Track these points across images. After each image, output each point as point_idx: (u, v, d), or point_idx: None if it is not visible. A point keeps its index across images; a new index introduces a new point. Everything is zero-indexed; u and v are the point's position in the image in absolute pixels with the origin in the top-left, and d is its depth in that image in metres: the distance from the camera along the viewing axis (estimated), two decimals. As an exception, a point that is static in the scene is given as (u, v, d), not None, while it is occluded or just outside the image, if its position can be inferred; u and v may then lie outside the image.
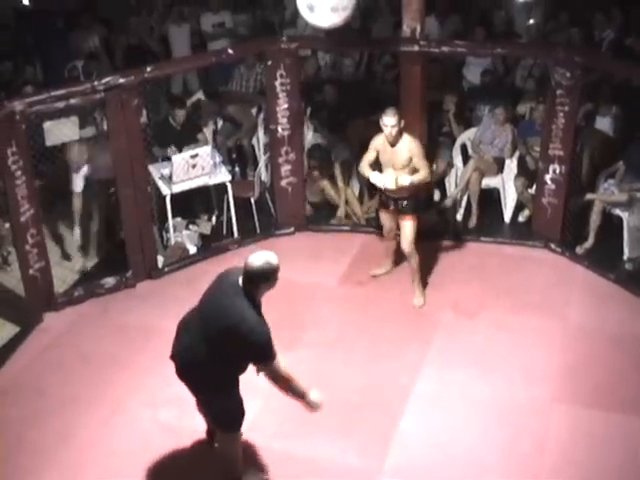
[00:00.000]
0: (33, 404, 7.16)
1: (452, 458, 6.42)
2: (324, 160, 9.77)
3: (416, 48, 8.46)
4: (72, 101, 7.90)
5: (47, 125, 8.31)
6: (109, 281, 8.63)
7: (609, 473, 6.27)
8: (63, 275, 8.72)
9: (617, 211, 8.71)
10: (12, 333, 8.06)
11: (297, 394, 5.70)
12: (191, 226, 9.44)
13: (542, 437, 6.60)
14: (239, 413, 5.83)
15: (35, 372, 7.57)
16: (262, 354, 5.48)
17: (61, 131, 8.34)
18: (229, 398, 5.75)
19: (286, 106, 8.98)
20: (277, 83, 8.86)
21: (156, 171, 9.17)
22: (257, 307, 5.56)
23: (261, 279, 5.56)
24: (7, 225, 8.53)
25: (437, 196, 9.83)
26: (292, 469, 6.40)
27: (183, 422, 6.89)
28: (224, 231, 9.55)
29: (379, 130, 7.85)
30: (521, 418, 6.79)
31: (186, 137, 9.60)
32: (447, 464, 6.37)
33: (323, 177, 9.69)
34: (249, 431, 6.69)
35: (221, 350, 5.53)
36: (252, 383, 7.16)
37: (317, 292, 8.52)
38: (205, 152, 9.06)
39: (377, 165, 8.00)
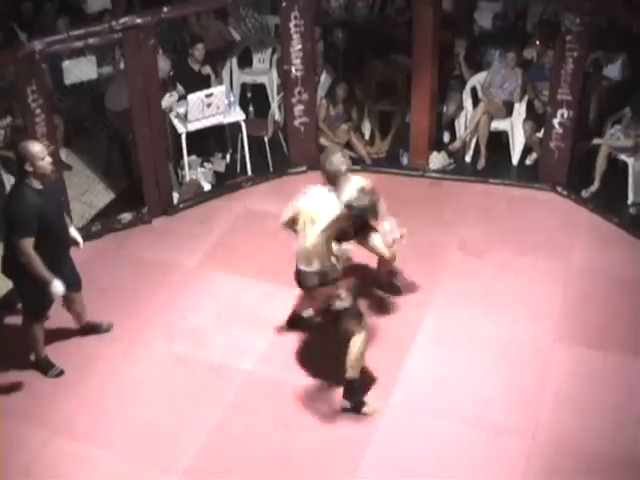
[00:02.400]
0: (53, 336, 7.37)
1: (455, 393, 6.65)
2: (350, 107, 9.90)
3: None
4: (90, 41, 8.03)
5: (66, 64, 8.45)
6: (125, 217, 8.84)
7: (604, 409, 6.49)
8: (81, 210, 8.92)
9: (622, 156, 8.82)
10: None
11: (40, 276, 6.35)
12: (206, 164, 9.58)
13: (542, 374, 6.81)
14: None
15: (54, 304, 7.77)
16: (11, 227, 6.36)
17: (80, 70, 8.47)
18: None
19: (300, 47, 9.07)
20: (291, 25, 8.93)
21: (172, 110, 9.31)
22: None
23: None
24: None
25: (447, 138, 9.97)
26: (302, 400, 6.64)
27: (197, 353, 7.16)
28: (238, 169, 9.69)
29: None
30: (523, 356, 6.99)
31: (204, 78, 9.71)
32: (450, 398, 6.60)
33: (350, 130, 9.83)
34: (259, 363, 6.99)
35: None
36: (264, 319, 7.47)
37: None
38: (220, 91, 9.20)
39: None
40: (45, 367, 7.05)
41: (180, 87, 9.38)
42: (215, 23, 10.66)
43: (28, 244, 6.30)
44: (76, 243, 6.95)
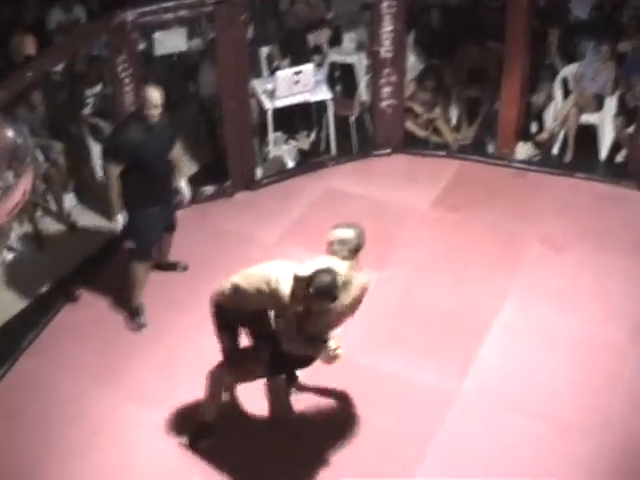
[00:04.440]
0: (128, 300, 7.50)
1: (526, 386, 6.61)
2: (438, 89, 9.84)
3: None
4: (181, 13, 8.12)
5: (157, 35, 8.53)
6: (208, 189, 8.95)
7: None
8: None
9: None
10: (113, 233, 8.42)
11: (110, 202, 6.89)
12: (290, 141, 9.63)
13: (614, 374, 6.71)
14: None
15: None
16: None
17: (170, 41, 8.56)
18: None
19: (390, 28, 9.01)
20: (384, 5, 8.88)
21: (260, 86, 9.37)
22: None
23: None
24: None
25: (534, 128, 9.83)
26: (374, 382, 6.66)
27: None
28: (322, 148, 9.71)
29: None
30: (596, 354, 6.90)
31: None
32: (520, 391, 6.56)
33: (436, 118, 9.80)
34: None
35: None
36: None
37: (409, 214, 8.68)
38: (308, 69, 9.22)
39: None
40: (135, 312, 7.38)
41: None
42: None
43: (113, 170, 6.81)
44: (182, 195, 7.41)
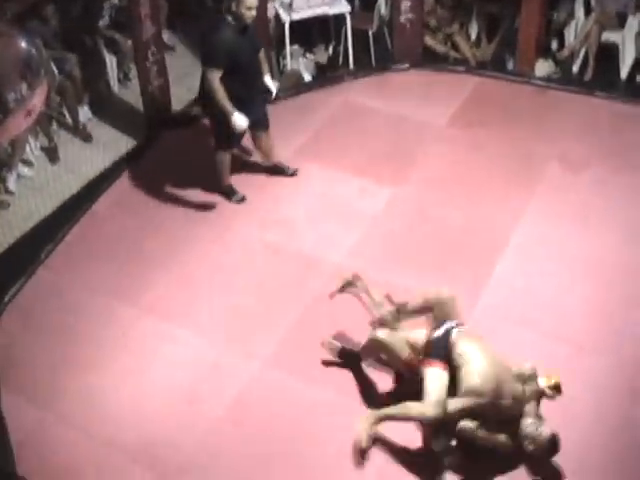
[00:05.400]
0: (148, 215, 7.60)
1: (540, 305, 6.60)
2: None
3: None
4: None
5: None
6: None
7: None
8: (180, 94, 8.97)
9: None
10: (129, 147, 8.47)
11: (222, 108, 6.94)
12: (308, 54, 9.55)
13: (630, 295, 6.69)
14: None
15: (150, 186, 7.97)
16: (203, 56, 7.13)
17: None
18: None
19: (411, -59, 8.87)
20: None
21: (278, -2, 9.26)
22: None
23: None
24: (129, 42, 8.81)
25: (555, 46, 9.69)
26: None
27: (288, 243, 7.27)
28: (340, 62, 9.63)
29: None
30: (612, 275, 6.87)
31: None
32: (534, 310, 6.55)
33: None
34: (349, 257, 7.07)
35: None
36: (356, 214, 7.52)
37: (426, 130, 8.60)
38: (327, -18, 9.10)
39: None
40: (229, 193, 7.72)
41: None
42: None
43: (215, 75, 6.92)
44: (269, 91, 7.51)
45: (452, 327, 5.52)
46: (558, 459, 5.39)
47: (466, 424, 5.31)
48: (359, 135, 8.41)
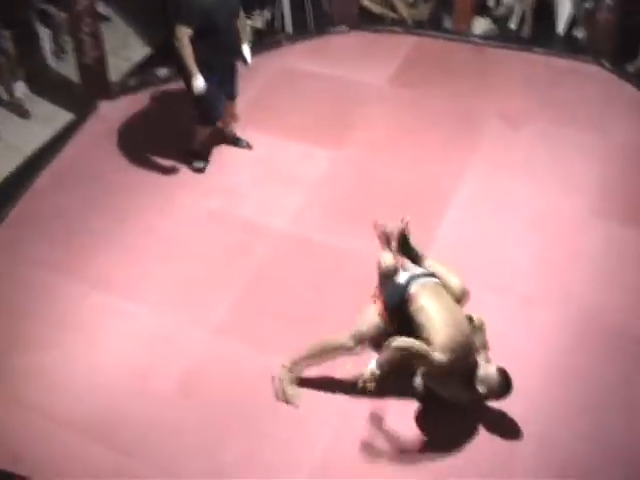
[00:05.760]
0: (90, 189, 7.48)
1: (486, 260, 6.66)
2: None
3: None
4: None
5: None
6: (163, 71, 8.77)
7: (634, 287, 6.46)
8: (118, 64, 8.85)
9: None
10: (68, 120, 8.33)
11: (186, 67, 6.82)
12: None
13: (575, 247, 6.78)
14: None
15: (91, 159, 7.86)
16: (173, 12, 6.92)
17: None
18: None
19: None
20: None
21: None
22: None
23: None
24: (63, 14, 8.67)
25: (492, 3, 9.72)
26: (332, 260, 6.69)
27: (232, 211, 7.24)
28: (277, 26, 9.56)
29: None
30: (556, 228, 6.95)
31: None
32: (481, 265, 6.57)
33: None
34: (293, 223, 7.06)
35: None
36: (300, 179, 7.50)
37: (367, 91, 8.58)
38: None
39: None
40: (192, 156, 7.62)
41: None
42: None
43: (184, 32, 6.73)
44: (244, 60, 7.27)
45: (415, 276, 5.49)
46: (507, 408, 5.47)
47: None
48: (300, 100, 8.38)
